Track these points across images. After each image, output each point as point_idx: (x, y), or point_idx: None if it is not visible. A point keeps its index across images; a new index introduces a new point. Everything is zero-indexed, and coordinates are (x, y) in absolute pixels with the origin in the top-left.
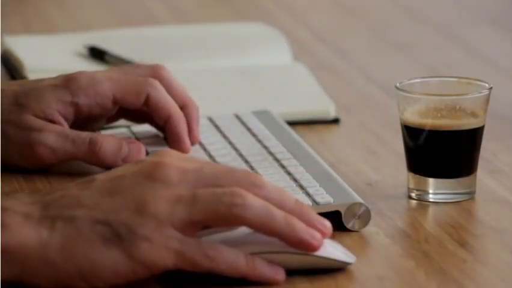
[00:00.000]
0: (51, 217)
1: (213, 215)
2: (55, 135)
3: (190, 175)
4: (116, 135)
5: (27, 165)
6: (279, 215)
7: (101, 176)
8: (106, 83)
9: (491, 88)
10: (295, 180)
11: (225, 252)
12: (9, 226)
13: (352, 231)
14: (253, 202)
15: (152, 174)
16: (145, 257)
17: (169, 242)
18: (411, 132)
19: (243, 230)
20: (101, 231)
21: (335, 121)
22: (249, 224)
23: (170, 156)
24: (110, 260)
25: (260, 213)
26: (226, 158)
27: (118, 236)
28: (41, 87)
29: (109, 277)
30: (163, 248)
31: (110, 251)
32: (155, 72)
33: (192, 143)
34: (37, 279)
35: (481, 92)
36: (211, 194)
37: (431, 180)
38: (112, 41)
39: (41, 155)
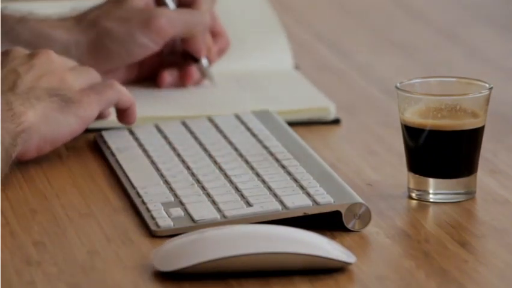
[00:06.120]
0: (23, 99)
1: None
2: (169, 11)
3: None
4: None
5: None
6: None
7: (13, 67)
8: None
9: (491, 88)
10: (295, 180)
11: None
12: (19, 111)
13: (352, 231)
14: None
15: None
16: (84, 114)
17: (92, 99)
18: (411, 132)
19: (245, 230)
20: (57, 100)
21: (335, 121)
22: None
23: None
24: (67, 122)
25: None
26: (226, 158)
27: (66, 101)
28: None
29: (66, 136)
30: (90, 104)
31: (66, 115)
32: None
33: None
34: (28, 150)
35: (481, 92)
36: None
37: (431, 180)
38: None
39: (162, 27)
